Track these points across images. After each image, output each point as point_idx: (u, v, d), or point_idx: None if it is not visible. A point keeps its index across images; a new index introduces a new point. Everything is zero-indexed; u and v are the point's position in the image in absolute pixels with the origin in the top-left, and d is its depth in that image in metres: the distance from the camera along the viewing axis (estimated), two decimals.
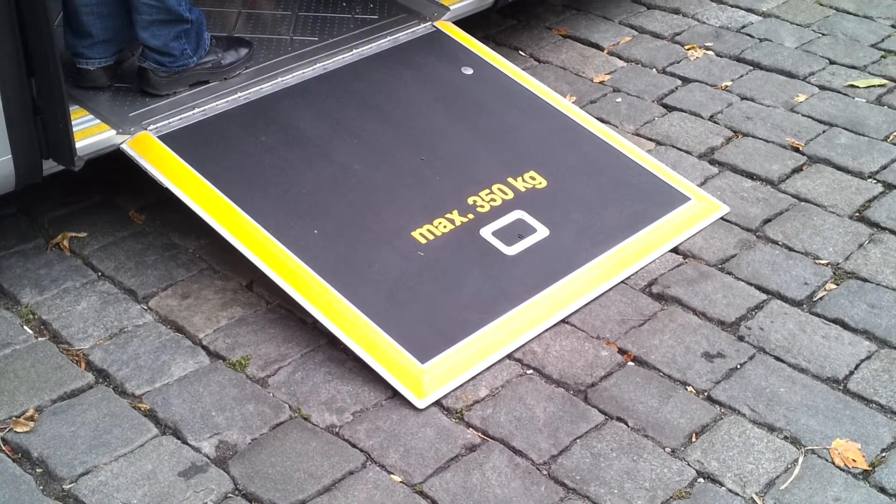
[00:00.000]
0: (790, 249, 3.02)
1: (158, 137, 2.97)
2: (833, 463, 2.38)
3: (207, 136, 3.04)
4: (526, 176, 3.09)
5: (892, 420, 2.49)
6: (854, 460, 2.39)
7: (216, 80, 3.21)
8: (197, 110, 3.10)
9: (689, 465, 2.38)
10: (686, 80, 3.85)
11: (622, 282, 2.88)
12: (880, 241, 3.05)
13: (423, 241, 2.86)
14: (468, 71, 3.44)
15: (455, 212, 2.94)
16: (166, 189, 2.86)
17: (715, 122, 3.61)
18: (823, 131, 3.55)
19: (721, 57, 4.01)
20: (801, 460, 2.39)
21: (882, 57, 3.99)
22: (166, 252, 2.97)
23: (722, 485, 2.33)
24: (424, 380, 2.52)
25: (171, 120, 3.04)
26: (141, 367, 2.59)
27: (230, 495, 2.27)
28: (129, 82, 3.16)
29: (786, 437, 2.45)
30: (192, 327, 2.71)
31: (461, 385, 2.55)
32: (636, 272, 2.91)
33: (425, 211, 2.94)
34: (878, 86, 3.81)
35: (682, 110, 3.67)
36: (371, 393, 2.53)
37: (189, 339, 2.68)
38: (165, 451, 2.37)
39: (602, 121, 3.50)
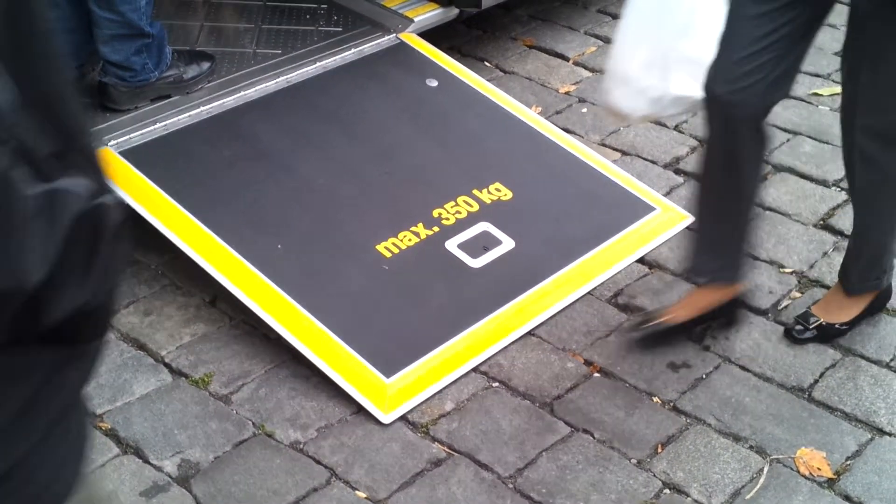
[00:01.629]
0: (755, 258, 3.02)
1: (119, 153, 2.95)
2: (798, 472, 2.39)
3: (170, 152, 3.02)
4: (491, 188, 3.08)
5: (857, 428, 2.50)
6: (819, 469, 2.39)
7: (178, 95, 3.19)
8: (159, 125, 3.08)
9: (655, 476, 2.37)
10: None
11: (588, 293, 2.88)
12: (844, 250, 3.05)
13: (388, 254, 2.84)
14: (433, 83, 3.44)
15: (420, 225, 2.93)
16: (128, 205, 2.84)
17: (680, 132, 3.61)
18: (787, 140, 3.56)
19: None
20: (766, 469, 2.39)
21: None
22: (128, 269, 2.94)
23: (688, 495, 2.33)
24: (389, 394, 2.51)
25: (132, 135, 3.02)
26: (102, 385, 2.56)
27: None
28: (89, 97, 3.13)
29: (751, 447, 2.45)
30: (155, 344, 2.69)
31: (427, 399, 2.54)
32: (602, 283, 2.91)
33: (390, 224, 2.92)
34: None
35: None
36: (336, 408, 2.51)
37: (151, 357, 2.65)
38: (127, 470, 2.34)
39: (568, 131, 3.50)
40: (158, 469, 2.35)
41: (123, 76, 3.05)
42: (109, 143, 2.96)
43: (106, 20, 2.95)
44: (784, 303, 2.86)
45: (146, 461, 2.37)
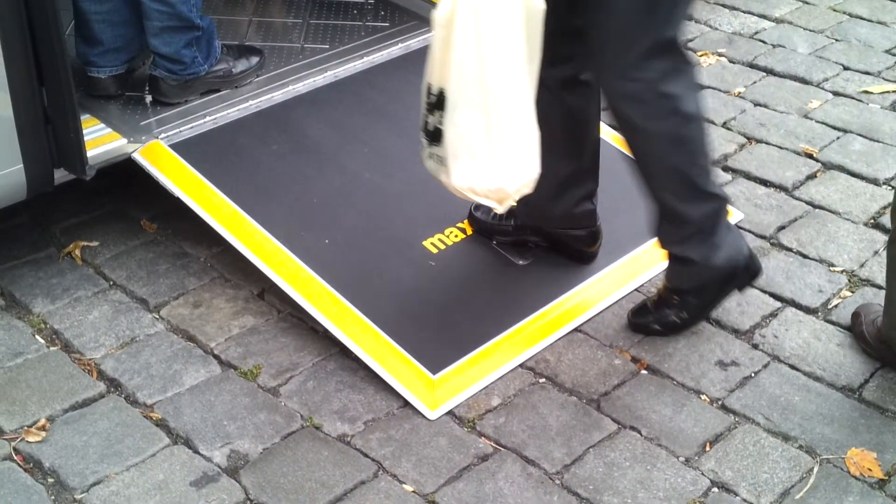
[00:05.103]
0: (804, 257, 3.00)
1: (169, 146, 2.97)
2: (849, 472, 2.36)
3: (218, 145, 3.04)
4: None
5: None
6: (870, 469, 2.36)
7: (227, 89, 3.21)
8: (208, 119, 3.10)
9: (703, 474, 2.36)
10: (699, 87, 3.83)
11: (635, 290, 2.86)
12: None
13: (435, 250, 2.85)
14: None
15: (467, 221, 2.93)
16: (178, 198, 2.86)
17: (728, 129, 3.59)
18: (837, 137, 3.53)
19: (734, 63, 4.00)
20: (816, 469, 2.37)
21: None
22: (178, 261, 2.97)
23: (736, 494, 2.31)
24: (436, 390, 2.51)
25: (182, 129, 3.04)
26: (152, 376, 2.58)
27: None
28: (140, 91, 3.16)
29: (801, 447, 2.43)
30: (204, 336, 2.71)
31: (473, 394, 2.54)
32: (649, 280, 2.90)
33: (437, 220, 2.93)
34: (893, 91, 3.79)
35: None
36: (383, 402, 2.52)
37: (201, 349, 2.67)
38: (177, 460, 2.36)
39: (614, 128, 3.48)
40: (208, 459, 2.36)
41: (173, 69, 3.08)
42: (160, 137, 2.99)
43: (157, 12, 2.98)
44: (834, 302, 2.84)
45: (196, 451, 2.39)
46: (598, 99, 2.66)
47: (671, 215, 2.57)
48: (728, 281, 2.63)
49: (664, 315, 2.70)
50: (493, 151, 2.31)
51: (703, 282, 2.63)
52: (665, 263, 2.88)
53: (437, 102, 2.34)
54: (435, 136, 2.38)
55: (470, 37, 2.23)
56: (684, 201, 2.53)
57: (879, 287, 2.86)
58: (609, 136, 3.33)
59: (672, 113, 2.44)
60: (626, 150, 3.26)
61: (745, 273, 2.64)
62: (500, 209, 2.39)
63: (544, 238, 2.85)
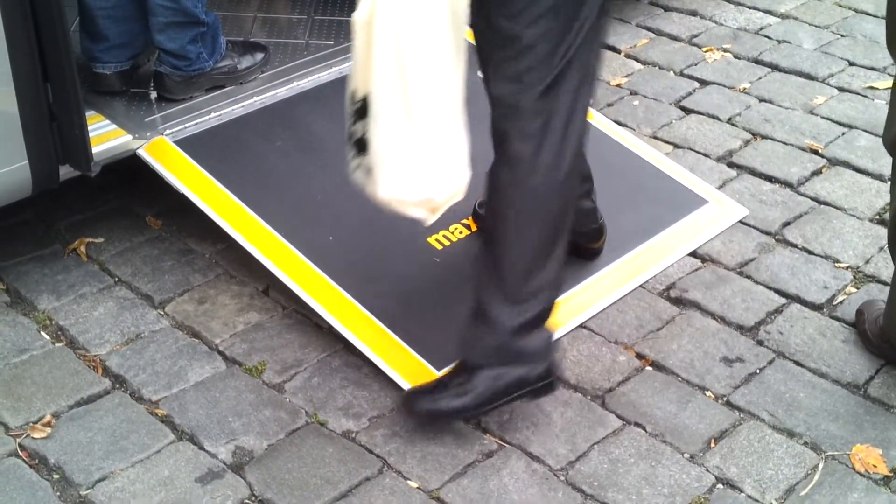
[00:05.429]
0: (809, 253, 3.00)
1: (174, 142, 2.97)
2: (854, 468, 2.36)
3: (223, 141, 3.04)
4: None
5: None
6: (875, 466, 2.36)
7: (232, 85, 3.21)
8: (213, 115, 3.10)
9: (707, 470, 2.36)
10: (704, 83, 3.83)
11: (640, 286, 2.86)
12: None
13: (440, 246, 2.85)
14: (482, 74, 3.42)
15: (471, 218, 2.93)
16: (182, 194, 2.86)
17: (733, 125, 3.59)
18: (843, 133, 3.52)
19: (739, 59, 3.99)
20: (821, 466, 2.37)
21: None
22: (183, 257, 2.97)
23: (741, 491, 2.31)
24: None
25: (187, 125, 3.04)
26: (157, 372, 2.59)
27: (247, 501, 2.27)
28: (145, 87, 3.16)
29: (806, 443, 2.42)
30: (209, 332, 2.71)
31: None
32: (654, 276, 2.89)
33: (441, 217, 2.91)
34: None
35: (700, 113, 3.65)
36: (388, 398, 2.52)
37: (205, 345, 2.68)
38: (182, 456, 2.37)
39: (619, 124, 3.49)
40: (213, 456, 2.37)
41: (179, 65, 3.08)
42: (164, 133, 2.99)
43: (162, 7, 2.98)
44: (839, 298, 2.83)
45: (201, 447, 2.39)
46: None
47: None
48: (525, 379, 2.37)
49: (442, 397, 2.38)
50: (419, 159, 2.18)
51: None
52: (671, 258, 2.88)
53: (362, 109, 2.22)
54: (361, 146, 2.26)
55: (390, 39, 2.10)
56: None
57: (885, 283, 2.86)
58: (611, 132, 3.33)
59: None
60: (632, 148, 3.28)
61: (538, 379, 2.38)
62: (430, 220, 2.27)
63: None
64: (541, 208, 2.28)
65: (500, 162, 2.31)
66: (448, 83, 2.18)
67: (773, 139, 3.50)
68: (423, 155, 2.18)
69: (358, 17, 2.13)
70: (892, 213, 2.48)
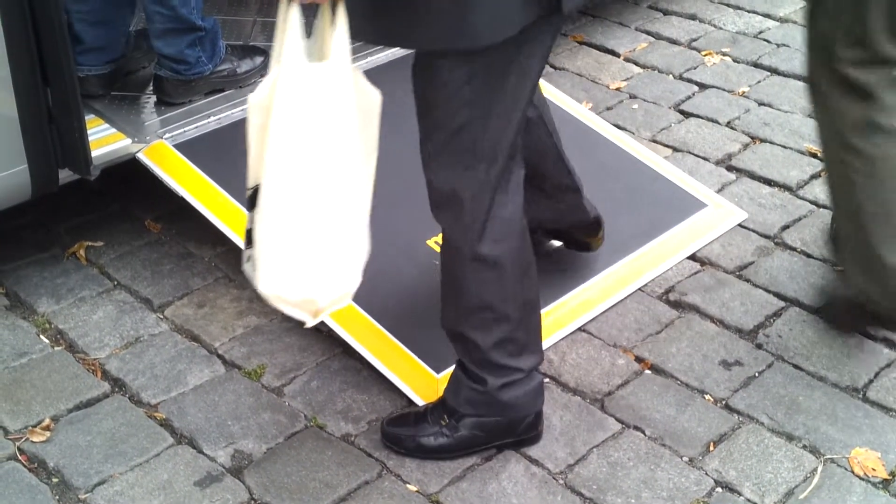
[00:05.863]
0: (808, 256, 3.00)
1: (174, 146, 2.97)
2: (852, 472, 2.36)
3: (223, 145, 3.04)
4: None
5: None
6: (874, 469, 2.36)
7: (232, 89, 3.21)
8: (212, 119, 3.10)
9: (706, 474, 2.36)
10: (703, 87, 3.83)
11: (639, 289, 2.86)
12: None
13: (439, 249, 2.84)
14: None
15: None
16: (182, 198, 2.87)
17: (732, 129, 3.59)
18: None
19: (738, 63, 3.99)
20: (820, 469, 2.37)
21: None
22: (182, 261, 2.97)
23: (740, 494, 2.31)
24: (440, 390, 2.51)
25: (186, 129, 3.04)
26: (157, 376, 2.59)
27: None
28: (139, 91, 3.16)
29: (805, 446, 2.43)
30: (208, 336, 2.71)
31: None
32: (653, 279, 2.90)
33: None
34: None
35: (698, 116, 3.65)
36: (387, 402, 2.52)
37: (205, 349, 2.68)
38: (181, 460, 2.37)
39: (618, 128, 3.49)
40: (212, 459, 2.37)
41: (178, 69, 3.08)
42: (164, 136, 2.99)
43: (158, 14, 2.98)
44: None
45: (200, 451, 2.39)
46: (545, 128, 2.61)
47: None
48: (512, 427, 2.37)
49: (423, 432, 2.39)
50: (305, 258, 2.00)
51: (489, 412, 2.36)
52: (670, 262, 2.89)
53: (252, 198, 2.03)
54: (250, 238, 2.08)
55: (288, 127, 1.92)
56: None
57: None
58: (611, 135, 3.34)
59: None
60: (631, 151, 3.28)
61: (527, 428, 2.39)
62: (310, 322, 2.09)
63: (548, 233, 2.85)
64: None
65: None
66: (346, 183, 2.01)
67: (772, 143, 3.51)
68: (307, 255, 2.01)
69: (253, 100, 1.96)
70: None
